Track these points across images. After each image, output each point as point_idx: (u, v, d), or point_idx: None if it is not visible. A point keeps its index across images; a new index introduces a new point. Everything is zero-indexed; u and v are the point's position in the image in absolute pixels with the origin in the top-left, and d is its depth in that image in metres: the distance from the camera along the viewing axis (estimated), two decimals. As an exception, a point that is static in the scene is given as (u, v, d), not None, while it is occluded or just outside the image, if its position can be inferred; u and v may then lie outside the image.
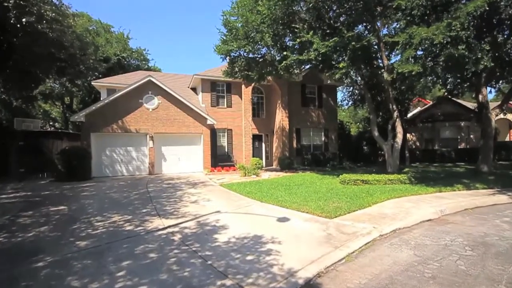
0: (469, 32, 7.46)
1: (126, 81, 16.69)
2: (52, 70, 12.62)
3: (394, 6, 8.24)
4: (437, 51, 7.74)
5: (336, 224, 5.59)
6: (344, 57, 9.80)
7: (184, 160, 15.47)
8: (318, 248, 4.35)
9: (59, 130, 23.75)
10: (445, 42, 7.47)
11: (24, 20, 9.20)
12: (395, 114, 12.20)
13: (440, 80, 11.06)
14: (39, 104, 25.87)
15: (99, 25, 27.71)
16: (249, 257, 3.98)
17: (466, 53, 7.35)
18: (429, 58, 8.72)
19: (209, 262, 3.81)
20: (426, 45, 7.58)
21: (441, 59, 7.68)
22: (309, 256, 3.99)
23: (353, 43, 9.12)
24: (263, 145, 19.42)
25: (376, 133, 12.90)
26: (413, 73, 7.79)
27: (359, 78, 15.28)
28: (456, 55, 7.25)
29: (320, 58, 10.24)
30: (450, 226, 5.68)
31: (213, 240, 4.68)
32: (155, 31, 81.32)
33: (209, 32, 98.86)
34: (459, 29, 7.29)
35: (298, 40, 10.27)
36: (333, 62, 11.02)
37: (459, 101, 21.41)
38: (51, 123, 30.73)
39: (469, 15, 7.25)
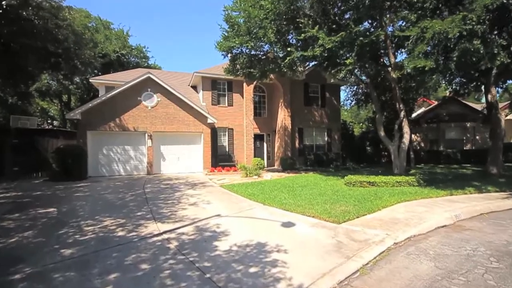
0: (485, 26, 7.04)
1: (125, 78, 16.27)
2: (46, 65, 12.08)
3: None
4: (451, 46, 7.32)
5: (345, 230, 5.20)
6: (351, 53, 9.36)
7: (184, 160, 15.04)
8: (327, 258, 3.94)
9: (55, 128, 23.35)
10: (459, 36, 7.05)
11: (4, 2, 8.39)
12: (402, 113, 11.77)
13: (449, 77, 10.62)
14: (37, 101, 25.44)
15: (98, 22, 27.22)
16: (252, 269, 3.56)
17: (482, 48, 6.93)
18: (440, 54, 8.29)
19: (208, 276, 3.39)
20: (440, 39, 7.15)
21: (455, 54, 7.26)
22: (319, 268, 3.59)
23: (361, 38, 8.69)
24: (265, 144, 18.97)
25: (382, 133, 12.49)
26: (426, 68, 7.36)
27: (364, 76, 14.87)
28: (472, 49, 6.84)
29: (325, 54, 9.82)
30: (468, 233, 5.27)
31: (213, 249, 4.26)
32: (156, 29, 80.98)
33: (210, 31, 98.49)
34: (474, 22, 6.88)
35: (302, 35, 9.84)
36: (338, 60, 10.60)
37: (464, 101, 21.00)
38: (49, 121, 30.29)
39: (485, 8, 6.83)
